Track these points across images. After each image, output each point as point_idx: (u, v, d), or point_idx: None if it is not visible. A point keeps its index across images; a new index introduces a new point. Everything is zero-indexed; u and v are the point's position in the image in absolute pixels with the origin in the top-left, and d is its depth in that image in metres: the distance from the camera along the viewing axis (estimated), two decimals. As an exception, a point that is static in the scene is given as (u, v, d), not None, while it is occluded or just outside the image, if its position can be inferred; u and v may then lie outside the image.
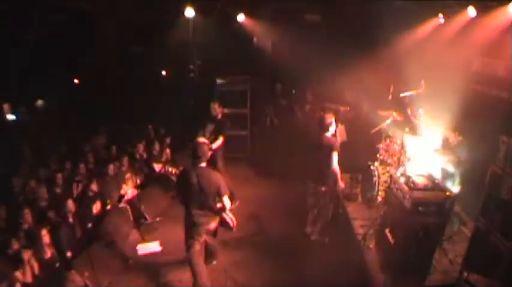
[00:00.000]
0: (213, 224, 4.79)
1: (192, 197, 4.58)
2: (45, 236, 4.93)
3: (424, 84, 5.74)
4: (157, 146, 8.47)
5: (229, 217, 4.78)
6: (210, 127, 6.94)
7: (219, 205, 4.65)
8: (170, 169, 5.92)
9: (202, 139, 4.82)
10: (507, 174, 4.00)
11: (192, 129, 7.29)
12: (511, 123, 4.62)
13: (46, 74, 8.65)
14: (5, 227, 5.28)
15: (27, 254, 4.63)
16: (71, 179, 6.65)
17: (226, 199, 4.61)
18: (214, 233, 4.98)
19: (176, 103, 10.07)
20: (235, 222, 4.82)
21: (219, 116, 7.00)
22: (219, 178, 4.62)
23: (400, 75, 7.28)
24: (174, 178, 7.15)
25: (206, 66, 9.93)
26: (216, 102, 7.05)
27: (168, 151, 8.37)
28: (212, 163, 6.42)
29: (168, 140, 8.67)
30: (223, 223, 4.82)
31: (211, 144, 6.54)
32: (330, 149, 5.36)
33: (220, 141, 6.79)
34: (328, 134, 5.48)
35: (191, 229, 4.69)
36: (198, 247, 4.69)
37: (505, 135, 4.14)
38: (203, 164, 4.60)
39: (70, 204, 5.49)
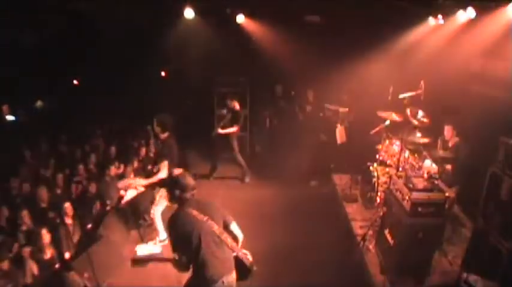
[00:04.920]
0: (234, 274, 3.61)
1: (200, 249, 3.39)
2: (46, 235, 4.93)
3: (423, 85, 5.73)
4: (154, 147, 8.47)
5: (243, 253, 3.73)
6: (228, 116, 7.91)
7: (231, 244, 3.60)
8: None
9: (177, 171, 3.84)
10: (506, 175, 4.01)
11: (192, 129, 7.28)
12: (510, 124, 4.62)
13: (45, 75, 8.65)
14: (5, 229, 5.28)
15: (26, 252, 4.64)
16: (70, 180, 6.65)
17: (234, 226, 3.78)
18: None
19: (175, 104, 10.06)
20: (250, 258, 3.76)
21: (236, 107, 7.94)
22: (217, 206, 3.73)
23: (399, 75, 7.29)
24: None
25: (205, 67, 9.92)
26: (235, 98, 8.00)
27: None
28: (227, 144, 7.75)
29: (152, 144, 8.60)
30: (239, 266, 3.66)
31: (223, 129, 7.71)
32: None
33: (234, 129, 7.76)
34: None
35: None
36: None
37: (505, 136, 4.15)
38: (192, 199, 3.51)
39: (67, 206, 5.48)
